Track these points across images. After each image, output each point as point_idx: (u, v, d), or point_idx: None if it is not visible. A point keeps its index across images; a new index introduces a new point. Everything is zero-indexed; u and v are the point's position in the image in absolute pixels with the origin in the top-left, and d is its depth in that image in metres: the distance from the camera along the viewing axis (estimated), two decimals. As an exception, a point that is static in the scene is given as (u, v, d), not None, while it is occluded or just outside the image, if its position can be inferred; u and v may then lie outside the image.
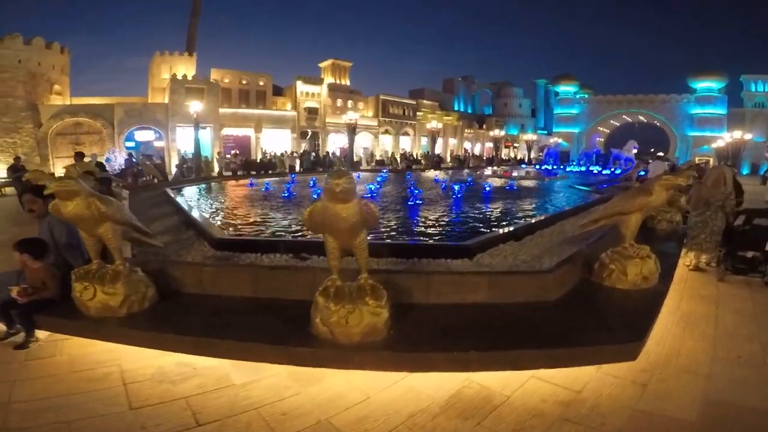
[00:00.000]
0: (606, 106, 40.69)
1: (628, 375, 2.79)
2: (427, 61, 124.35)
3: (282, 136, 29.68)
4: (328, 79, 31.94)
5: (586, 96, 42.39)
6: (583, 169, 27.19)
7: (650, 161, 20.76)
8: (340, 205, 2.65)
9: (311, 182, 12.86)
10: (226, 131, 27.45)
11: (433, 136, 33.32)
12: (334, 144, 32.46)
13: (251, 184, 12.64)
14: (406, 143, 37.90)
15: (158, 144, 25.95)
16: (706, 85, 36.13)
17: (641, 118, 40.01)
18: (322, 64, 32.91)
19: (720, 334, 3.55)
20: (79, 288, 3.26)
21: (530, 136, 43.80)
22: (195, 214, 6.86)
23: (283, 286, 3.38)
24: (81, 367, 3.16)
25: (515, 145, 46.61)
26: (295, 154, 24.85)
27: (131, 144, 24.88)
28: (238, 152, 27.65)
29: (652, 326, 3.29)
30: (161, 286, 3.63)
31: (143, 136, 25.79)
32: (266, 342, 2.91)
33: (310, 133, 31.11)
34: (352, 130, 25.72)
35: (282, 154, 25.02)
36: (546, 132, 47.84)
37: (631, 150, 25.31)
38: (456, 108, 46.68)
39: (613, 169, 24.50)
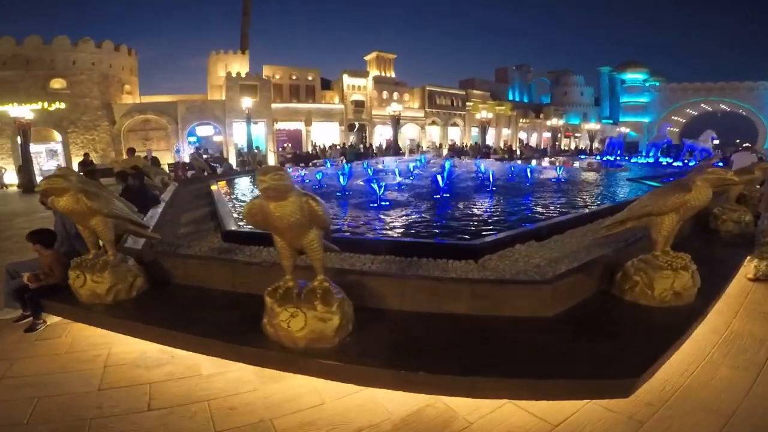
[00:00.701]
0: (681, 94, 36.68)
1: (625, 409, 2.34)
2: (478, 51, 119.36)
3: (331, 129, 30.24)
4: (374, 71, 31.90)
5: (657, 84, 38.47)
6: (650, 160, 24.65)
7: (734, 152, 18.20)
8: (272, 203, 2.47)
9: (342, 173, 12.96)
10: (279, 125, 28.50)
11: (483, 127, 32.06)
12: (381, 136, 32.46)
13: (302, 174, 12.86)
14: (455, 134, 36.95)
15: (217, 138, 27.64)
16: (799, 70, 31.32)
17: (723, 106, 35.59)
18: (367, 57, 32.95)
19: (773, 362, 2.87)
20: (72, 276, 3.44)
21: (593, 126, 40.77)
22: (220, 206, 7.08)
23: (257, 282, 3.30)
24: (77, 349, 3.37)
25: (576, 135, 43.61)
26: (338, 147, 25.11)
27: (193, 139, 26.79)
28: (288, 145, 28.72)
29: (665, 356, 2.71)
30: (156, 277, 3.73)
31: (203, 131, 27.59)
32: (219, 338, 2.88)
33: (357, 126, 31.40)
34: (395, 121, 25.51)
35: (330, 147, 25.41)
36: (612, 122, 44.23)
37: (708, 140, 22.45)
38: (510, 98, 44.63)
39: (686, 161, 21.95)
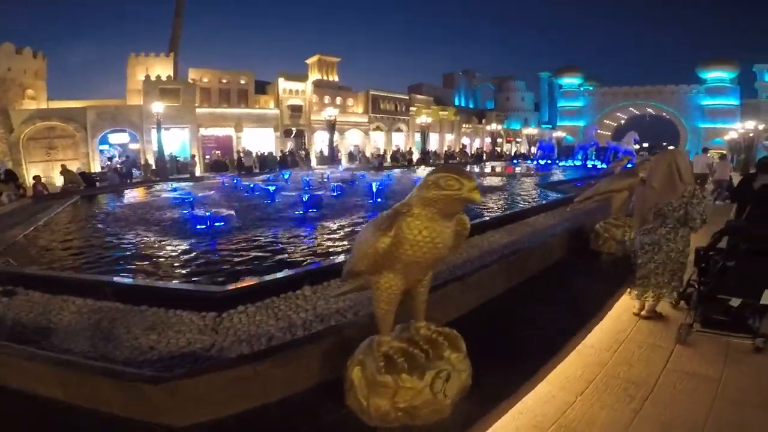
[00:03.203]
0: (612, 98, 38.51)
1: None
2: (427, 58, 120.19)
3: (265, 135, 28.82)
4: (315, 75, 30.86)
5: (591, 88, 40.23)
6: (578, 163, 25.37)
7: (645, 154, 18.81)
8: None
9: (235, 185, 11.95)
10: (208, 131, 26.74)
11: (423, 132, 31.91)
12: (323, 142, 31.41)
13: (175, 189, 11.63)
14: (399, 140, 36.60)
15: (134, 146, 25.53)
16: (717, 75, 34.00)
17: (649, 110, 37.76)
18: (308, 60, 31.87)
19: None
20: None
21: (531, 131, 41.99)
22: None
23: None
24: None
25: (518, 140, 44.72)
26: (253, 153, 23.72)
27: (105, 147, 24.59)
28: (216, 152, 26.92)
29: None
30: None
31: (118, 138, 25.44)
32: None
33: (294, 132, 30.16)
34: (331, 127, 24.63)
35: (246, 154, 23.94)
36: (550, 126, 45.78)
37: (631, 142, 23.38)
38: (456, 103, 45.10)
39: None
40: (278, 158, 22.93)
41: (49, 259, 5.30)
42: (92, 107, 23.80)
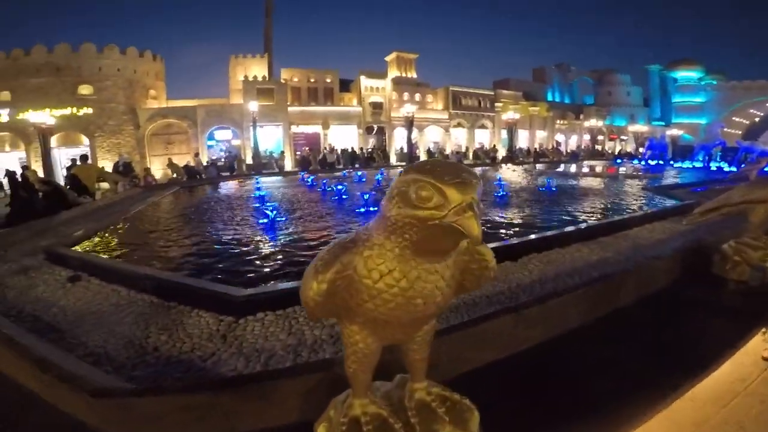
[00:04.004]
0: (744, 93, 32.42)
1: None
2: (513, 52, 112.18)
3: (349, 132, 29.64)
4: (393, 72, 30.85)
5: (714, 82, 34.19)
6: (699, 165, 21.56)
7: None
8: None
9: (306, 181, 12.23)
10: (298, 128, 28.30)
11: (510, 129, 29.99)
12: (403, 139, 31.33)
13: (257, 182, 12.32)
14: (484, 136, 35.01)
15: (236, 142, 28.00)
16: None
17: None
18: (387, 58, 31.97)
19: None
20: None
21: (640, 128, 37.23)
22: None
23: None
24: None
25: (623, 137, 39.95)
26: (338, 150, 24.31)
27: (212, 143, 27.32)
28: (306, 149, 28.35)
29: None
30: None
31: (222, 135, 28.08)
32: None
33: (375, 129, 30.53)
34: (409, 124, 24.31)
35: (331, 150, 24.70)
36: (663, 123, 40.12)
37: (771, 142, 19.23)
38: (549, 98, 41.85)
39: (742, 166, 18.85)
40: (351, 155, 23.36)
41: (136, 232, 6.18)
42: (201, 106, 26.65)
